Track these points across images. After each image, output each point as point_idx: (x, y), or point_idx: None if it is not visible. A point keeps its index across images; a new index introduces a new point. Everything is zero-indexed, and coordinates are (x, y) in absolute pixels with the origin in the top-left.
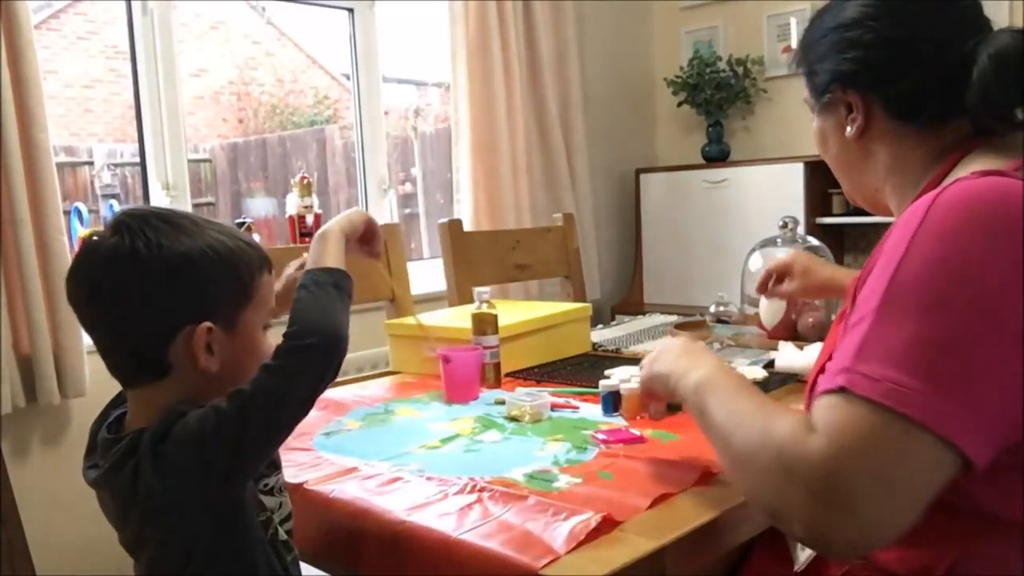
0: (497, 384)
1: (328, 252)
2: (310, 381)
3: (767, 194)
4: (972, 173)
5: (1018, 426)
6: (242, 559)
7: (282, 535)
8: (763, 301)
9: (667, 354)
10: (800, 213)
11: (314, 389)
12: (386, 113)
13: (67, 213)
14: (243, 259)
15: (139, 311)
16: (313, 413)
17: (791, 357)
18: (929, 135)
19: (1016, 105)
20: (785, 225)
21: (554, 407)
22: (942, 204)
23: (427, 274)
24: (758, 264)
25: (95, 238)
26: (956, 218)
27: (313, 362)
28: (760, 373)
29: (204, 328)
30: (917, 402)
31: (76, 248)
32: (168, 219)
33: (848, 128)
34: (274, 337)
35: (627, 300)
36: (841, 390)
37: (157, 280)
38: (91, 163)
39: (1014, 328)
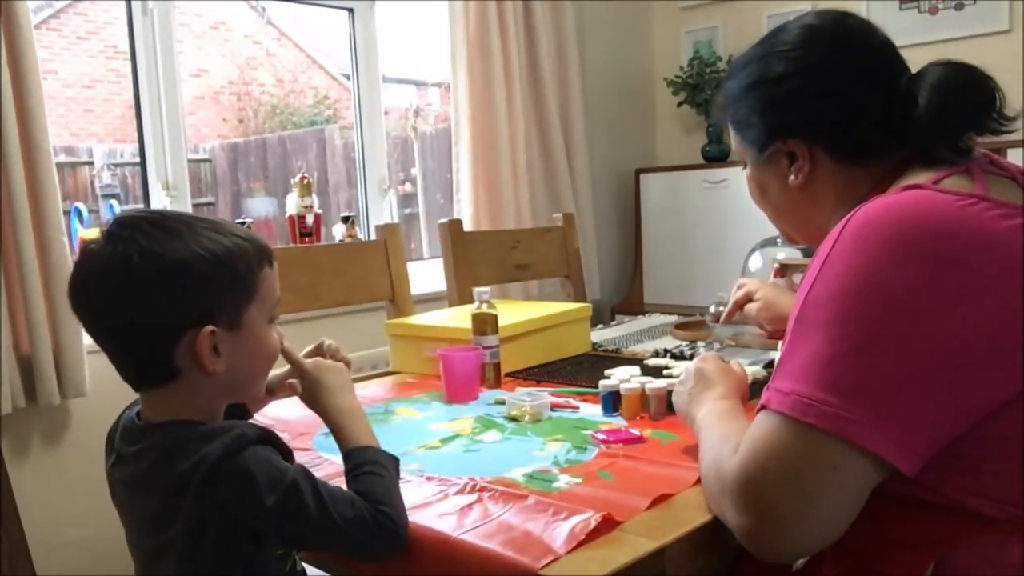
0: (497, 384)
1: (368, 426)
2: (366, 553)
3: None
4: (894, 189)
5: (949, 426)
6: None
7: (299, 565)
8: None
9: (681, 396)
10: None
11: (360, 554)
12: (386, 113)
13: (67, 213)
14: (240, 256)
15: (138, 320)
16: (313, 413)
17: None
18: (872, 168)
19: (962, 129)
20: None
21: (554, 407)
22: (852, 224)
23: (427, 274)
24: (758, 264)
25: (91, 247)
26: (861, 237)
27: (387, 548)
28: (760, 373)
29: (207, 331)
30: (821, 412)
31: (76, 248)
32: (159, 223)
33: (792, 177)
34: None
35: (627, 300)
36: (762, 408)
37: (153, 288)
38: (91, 163)
39: (921, 334)
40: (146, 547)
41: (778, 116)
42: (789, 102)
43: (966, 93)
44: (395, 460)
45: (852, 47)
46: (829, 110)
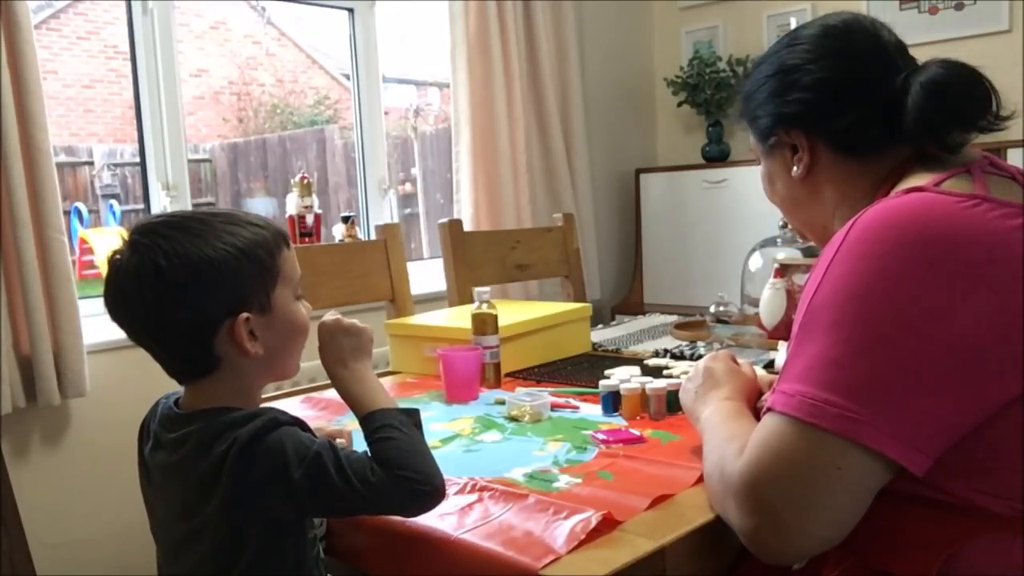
0: (497, 384)
1: (381, 389)
2: (401, 513)
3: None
4: (895, 193)
5: (955, 425)
6: (292, 570)
7: (321, 553)
8: (763, 300)
9: (688, 393)
10: None
11: (396, 514)
12: (386, 113)
13: (67, 213)
14: (260, 243)
15: (176, 320)
16: (312, 413)
17: None
18: (871, 164)
19: (949, 127)
20: (785, 225)
21: (554, 407)
22: (856, 228)
23: (427, 274)
24: (758, 264)
25: (118, 259)
26: (865, 240)
27: (419, 506)
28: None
29: (242, 319)
30: (826, 412)
31: (76, 248)
32: (178, 226)
33: (795, 168)
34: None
35: (627, 300)
36: (768, 411)
37: (185, 289)
38: (91, 163)
39: (926, 335)
40: (177, 532)
41: (780, 106)
42: (790, 93)
43: (954, 92)
44: (411, 414)
45: (855, 42)
46: (824, 101)
